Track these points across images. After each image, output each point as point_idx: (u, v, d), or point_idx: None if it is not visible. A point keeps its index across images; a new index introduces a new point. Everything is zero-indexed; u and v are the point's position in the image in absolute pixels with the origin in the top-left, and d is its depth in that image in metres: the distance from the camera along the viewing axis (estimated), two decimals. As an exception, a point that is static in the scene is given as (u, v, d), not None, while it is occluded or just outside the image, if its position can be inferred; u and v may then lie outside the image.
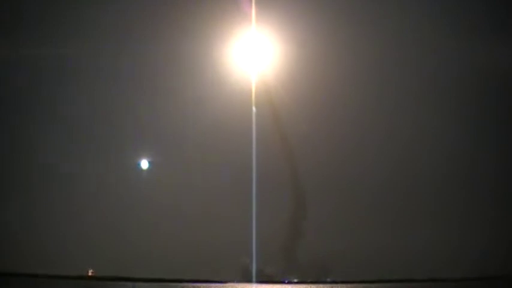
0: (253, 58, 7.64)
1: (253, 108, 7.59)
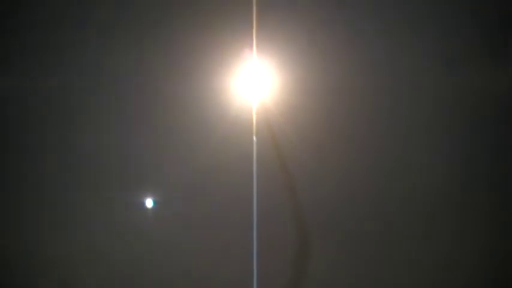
0: (254, 90, 7.60)
1: (254, 138, 7.52)
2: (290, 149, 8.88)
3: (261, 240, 8.71)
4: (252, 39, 8.93)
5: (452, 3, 8.80)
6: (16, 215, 8.88)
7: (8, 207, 8.88)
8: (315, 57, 8.99)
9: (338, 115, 8.97)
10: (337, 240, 8.83)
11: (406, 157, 8.93)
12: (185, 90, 8.98)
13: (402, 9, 8.88)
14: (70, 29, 8.92)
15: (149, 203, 8.86)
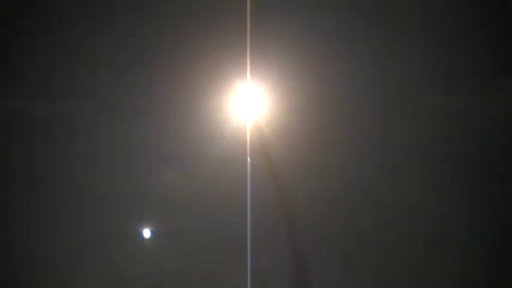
0: (248, 111, 7.54)
1: (248, 159, 7.44)
2: (285, 170, 8.84)
3: (255, 260, 8.63)
4: (246, 59, 8.94)
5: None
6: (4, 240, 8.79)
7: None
8: (309, 77, 9.01)
9: (333, 135, 8.96)
10: (335, 259, 8.77)
11: (402, 170, 8.92)
12: (177, 112, 8.96)
13: (399, 25, 8.92)
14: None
15: (146, 232, 8.79)
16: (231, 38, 8.91)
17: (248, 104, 8.99)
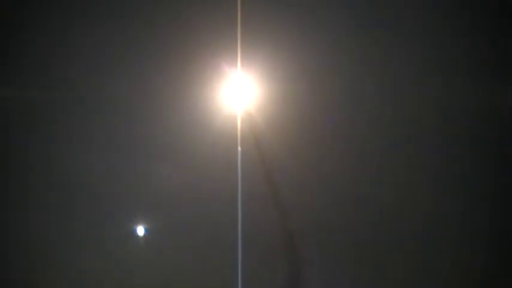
0: (238, 100, 7.55)
1: (239, 148, 7.45)
2: (275, 158, 8.88)
3: (246, 248, 8.69)
4: (237, 49, 8.95)
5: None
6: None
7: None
8: (299, 66, 9.02)
9: (323, 123, 8.99)
10: (324, 245, 8.82)
11: (393, 160, 8.95)
12: (168, 101, 8.97)
13: (389, 15, 8.94)
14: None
15: (140, 229, 8.82)
16: (221, 28, 8.92)
17: (239, 93, 9.01)
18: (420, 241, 8.74)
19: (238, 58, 8.91)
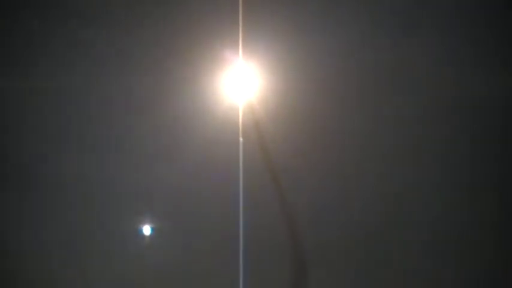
0: (240, 91, 7.50)
1: (240, 139, 7.40)
2: (277, 150, 8.85)
3: (247, 241, 8.66)
4: (238, 40, 8.91)
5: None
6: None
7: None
8: (301, 57, 8.98)
9: (325, 115, 8.96)
10: (325, 240, 8.80)
11: (394, 157, 8.93)
12: (169, 92, 8.94)
13: (389, 9, 8.90)
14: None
15: (146, 229, 8.79)
16: (223, 18, 8.88)
17: (240, 84, 8.97)
18: (426, 241, 8.72)
19: (240, 48, 8.87)
